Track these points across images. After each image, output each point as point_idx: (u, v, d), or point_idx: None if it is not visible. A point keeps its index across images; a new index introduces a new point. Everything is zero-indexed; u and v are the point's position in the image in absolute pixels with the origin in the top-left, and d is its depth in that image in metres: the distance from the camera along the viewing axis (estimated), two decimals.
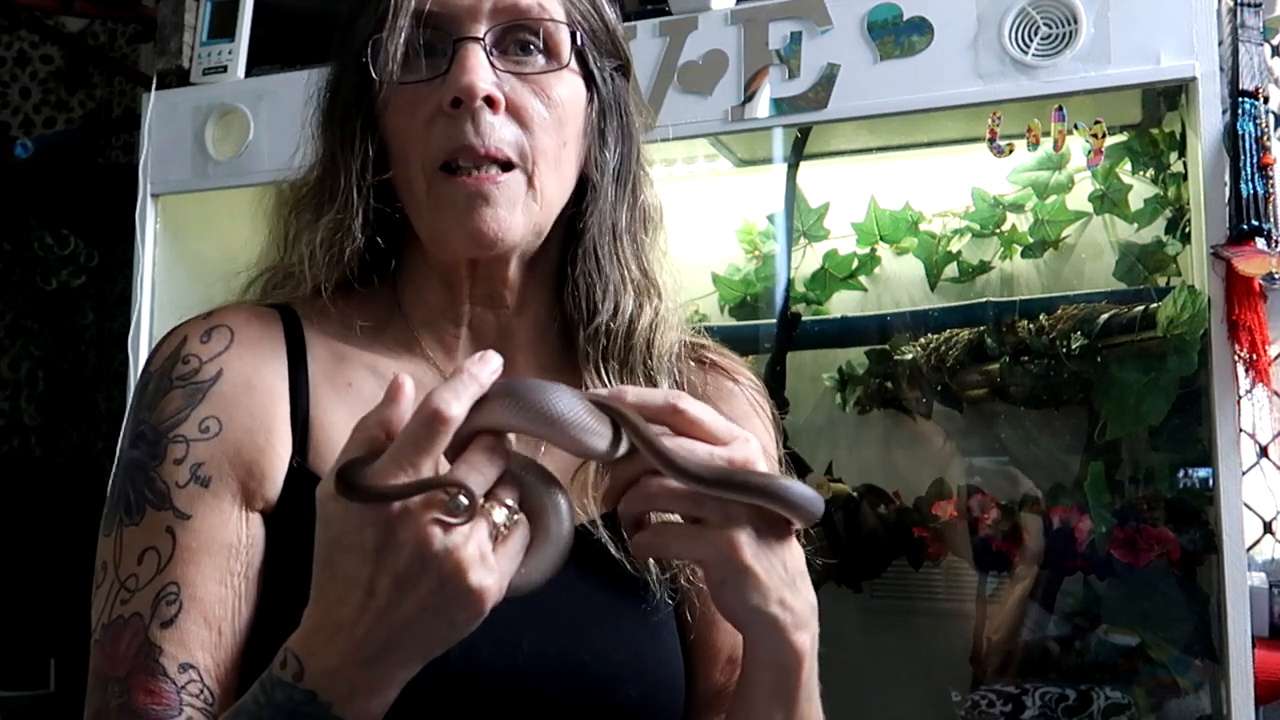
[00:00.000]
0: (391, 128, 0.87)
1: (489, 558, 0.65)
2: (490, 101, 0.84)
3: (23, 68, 3.07)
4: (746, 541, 0.70)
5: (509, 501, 0.68)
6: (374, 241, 0.90)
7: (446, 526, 0.64)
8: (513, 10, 0.86)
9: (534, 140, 0.86)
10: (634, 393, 0.72)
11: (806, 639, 0.75)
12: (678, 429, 0.71)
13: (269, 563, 0.82)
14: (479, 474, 0.66)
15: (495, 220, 0.84)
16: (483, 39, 0.85)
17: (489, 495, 0.67)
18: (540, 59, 0.88)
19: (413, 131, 0.86)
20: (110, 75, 2.98)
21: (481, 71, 0.84)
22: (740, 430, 0.73)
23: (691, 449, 0.70)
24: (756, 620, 0.73)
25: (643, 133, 0.97)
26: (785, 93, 1.72)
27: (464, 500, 0.64)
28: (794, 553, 0.74)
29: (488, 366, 0.68)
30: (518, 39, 0.87)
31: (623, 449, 0.71)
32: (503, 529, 0.67)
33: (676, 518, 0.73)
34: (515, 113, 0.86)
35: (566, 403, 0.68)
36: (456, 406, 0.65)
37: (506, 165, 0.85)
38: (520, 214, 0.86)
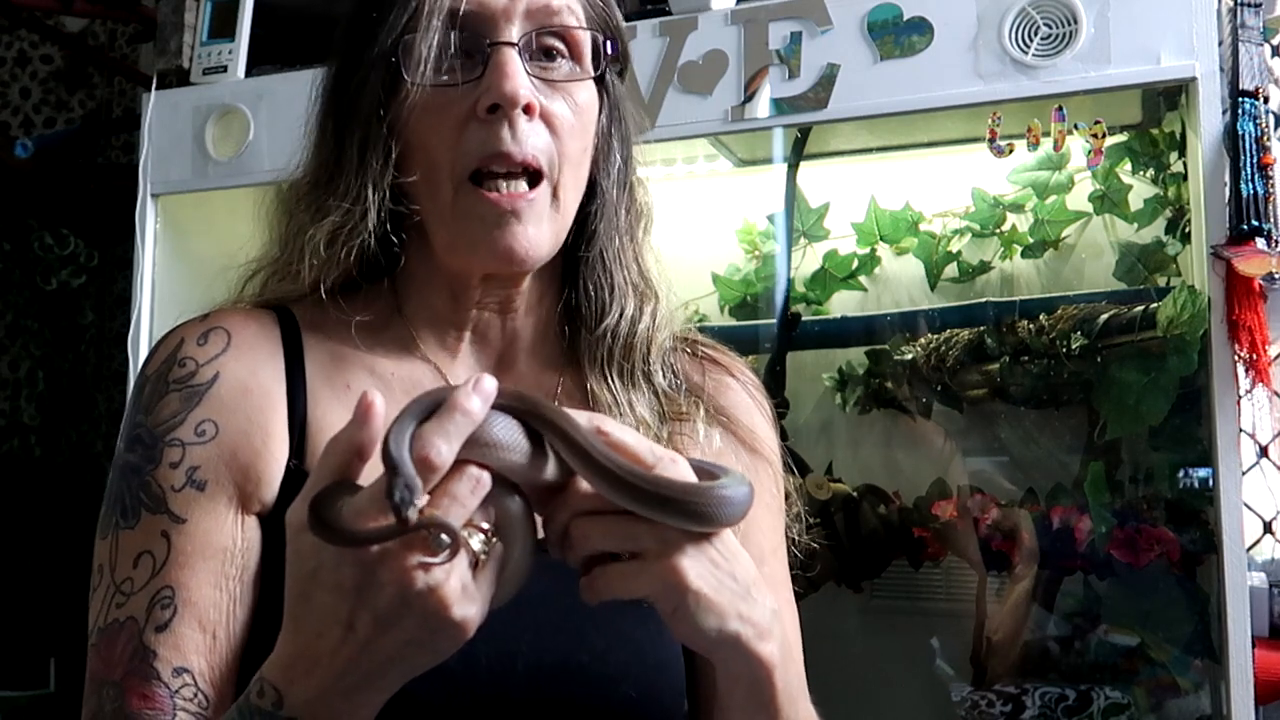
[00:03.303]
0: (417, 130, 0.85)
1: (470, 588, 0.64)
2: (527, 108, 0.83)
3: (23, 68, 3.07)
4: (689, 565, 0.67)
5: (484, 526, 0.66)
6: (380, 242, 0.88)
7: (428, 566, 0.62)
8: (545, 13, 0.86)
9: (562, 146, 0.86)
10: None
11: (773, 647, 0.72)
12: None
13: (265, 566, 0.81)
14: (461, 507, 0.64)
15: (525, 238, 0.84)
16: (517, 43, 0.84)
17: (465, 523, 0.64)
18: (565, 64, 0.87)
19: (441, 135, 0.84)
20: (110, 75, 2.98)
21: (521, 78, 0.83)
22: (666, 451, 0.70)
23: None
24: (718, 642, 0.70)
25: (637, 133, 0.96)
26: (785, 93, 1.72)
27: (446, 539, 0.62)
28: (743, 561, 0.71)
29: (480, 397, 0.65)
30: (544, 44, 0.86)
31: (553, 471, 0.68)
32: (481, 556, 0.65)
33: None
34: (547, 119, 0.85)
35: (511, 431, 0.67)
36: (446, 451, 0.63)
37: (534, 176, 0.84)
38: (547, 227, 0.85)
